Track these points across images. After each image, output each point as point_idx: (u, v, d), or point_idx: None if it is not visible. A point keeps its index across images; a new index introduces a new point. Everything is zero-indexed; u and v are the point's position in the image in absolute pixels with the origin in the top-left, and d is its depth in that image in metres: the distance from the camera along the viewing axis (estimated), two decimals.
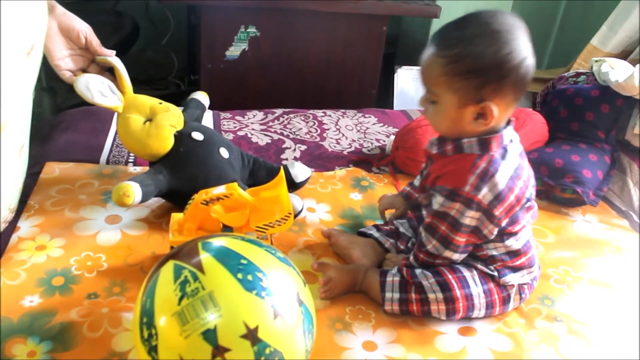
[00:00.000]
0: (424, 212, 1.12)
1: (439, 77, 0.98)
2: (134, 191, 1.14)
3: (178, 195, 1.25)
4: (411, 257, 1.13)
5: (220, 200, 1.08)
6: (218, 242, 0.85)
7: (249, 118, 1.82)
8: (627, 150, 1.67)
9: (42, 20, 1.04)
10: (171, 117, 1.29)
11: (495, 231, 1.05)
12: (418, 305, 1.09)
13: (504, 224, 1.05)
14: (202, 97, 1.48)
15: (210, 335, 0.75)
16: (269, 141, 1.70)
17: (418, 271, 1.10)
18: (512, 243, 1.09)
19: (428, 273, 1.09)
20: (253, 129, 1.76)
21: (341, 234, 1.27)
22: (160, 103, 1.30)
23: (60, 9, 1.18)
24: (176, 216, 1.16)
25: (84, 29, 1.21)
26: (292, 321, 0.80)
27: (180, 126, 1.30)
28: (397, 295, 1.09)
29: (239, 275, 0.78)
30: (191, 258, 0.81)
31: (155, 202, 1.32)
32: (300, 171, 1.41)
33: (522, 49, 0.96)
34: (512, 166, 1.04)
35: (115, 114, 1.63)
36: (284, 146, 1.68)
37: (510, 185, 1.03)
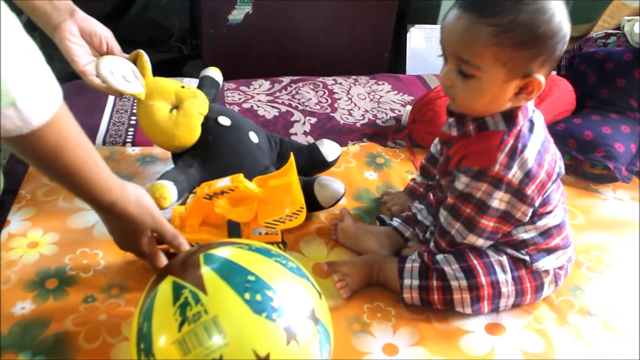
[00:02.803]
0: (448, 194, 1.02)
1: (486, 48, 0.87)
2: (170, 192, 1.05)
3: None
4: (431, 244, 1.04)
5: (224, 193, 0.98)
6: (222, 253, 0.76)
7: (254, 88, 1.71)
8: None
9: None
10: (199, 104, 1.17)
11: (529, 212, 0.97)
12: (439, 293, 1.00)
13: (537, 203, 0.97)
14: (215, 73, 1.36)
15: None
16: (277, 114, 1.59)
17: (440, 256, 1.02)
18: (547, 221, 1.00)
19: (451, 258, 1.01)
20: (259, 100, 1.65)
21: (351, 221, 1.17)
22: (183, 87, 1.18)
23: (80, 13, 1.08)
24: (178, 209, 1.07)
25: (105, 35, 1.11)
26: (308, 343, 0.72)
27: (206, 112, 1.19)
28: (416, 282, 1.01)
29: (247, 296, 0.69)
30: (191, 274, 0.72)
31: None
32: (331, 149, 1.30)
33: (566, 16, 0.89)
34: (540, 139, 0.96)
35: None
36: (292, 119, 1.58)
37: (539, 161, 0.94)
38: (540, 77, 0.89)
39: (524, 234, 1.00)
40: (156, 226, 0.88)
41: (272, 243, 1.03)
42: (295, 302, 0.73)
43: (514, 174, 0.93)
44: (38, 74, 0.64)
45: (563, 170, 1.01)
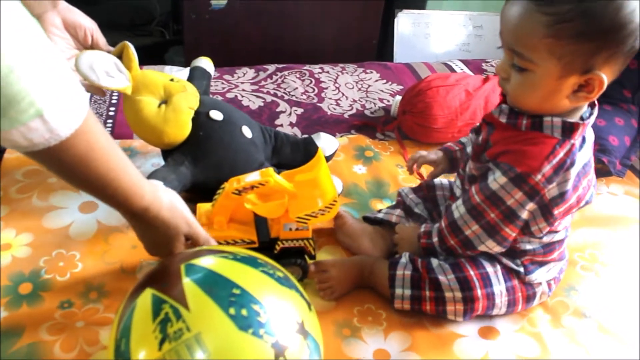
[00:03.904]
0: (472, 188, 0.94)
1: (540, 40, 0.80)
2: None
3: (202, 187, 1.09)
4: (434, 238, 0.98)
5: (254, 188, 0.94)
6: (205, 262, 0.71)
7: (238, 77, 1.65)
8: None
9: None
10: (189, 98, 1.11)
11: (546, 230, 0.93)
12: (432, 304, 0.96)
13: (556, 223, 0.92)
14: (206, 63, 1.29)
15: None
16: (262, 104, 1.54)
17: (435, 263, 0.97)
18: (552, 237, 0.96)
19: (447, 267, 0.96)
20: (243, 90, 1.60)
21: (351, 217, 1.13)
22: (172, 80, 1.12)
23: (63, 4, 1.02)
24: (203, 207, 1.01)
25: (90, 27, 1.06)
26: (297, 359, 0.67)
27: (196, 106, 1.13)
28: (408, 292, 0.97)
29: (231, 311, 0.65)
30: (172, 287, 0.67)
31: None
32: (327, 143, 1.25)
33: None
34: (584, 161, 0.90)
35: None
36: (278, 110, 1.53)
37: (576, 184, 0.89)
38: (603, 75, 0.81)
39: (528, 245, 0.96)
40: (190, 231, 0.85)
41: (302, 239, 1.00)
42: (283, 316, 0.69)
43: (550, 189, 0.87)
44: (63, 81, 0.60)
45: (593, 199, 0.95)
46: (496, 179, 0.89)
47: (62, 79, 0.60)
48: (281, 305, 0.70)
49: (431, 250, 1.00)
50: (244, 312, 0.65)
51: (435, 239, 0.98)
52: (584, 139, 0.89)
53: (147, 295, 0.68)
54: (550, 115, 0.87)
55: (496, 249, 0.94)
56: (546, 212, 0.90)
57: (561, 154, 0.86)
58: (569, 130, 0.87)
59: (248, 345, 0.64)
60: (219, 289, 0.67)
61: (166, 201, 0.80)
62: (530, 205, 0.88)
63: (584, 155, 0.90)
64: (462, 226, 0.93)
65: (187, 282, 0.68)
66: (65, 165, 0.65)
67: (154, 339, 0.64)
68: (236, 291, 0.67)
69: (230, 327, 0.64)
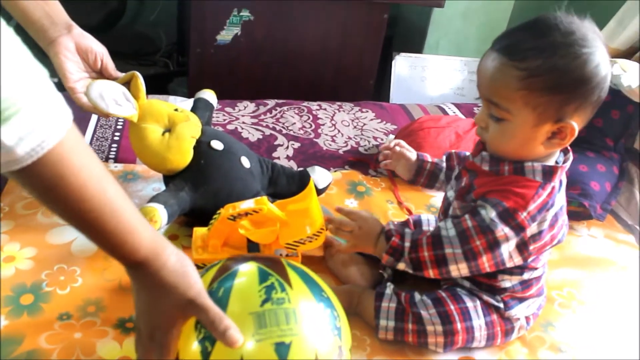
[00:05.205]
0: (464, 215, 0.96)
1: (515, 92, 0.87)
2: (161, 215, 1.04)
3: (200, 212, 1.15)
4: (407, 242, 0.97)
5: (248, 215, 1.00)
6: (298, 265, 0.84)
7: (239, 110, 1.72)
8: (635, 159, 1.59)
9: None
10: (192, 127, 1.18)
11: (519, 264, 0.98)
12: (414, 336, 1.01)
13: (529, 260, 0.97)
14: (209, 95, 1.36)
15: (282, 349, 0.72)
16: (260, 137, 1.61)
17: (417, 299, 1.02)
18: (531, 274, 1.01)
19: (429, 302, 1.01)
20: (244, 122, 1.66)
21: (342, 246, 1.18)
22: (176, 109, 1.19)
23: (77, 29, 1.09)
24: (199, 231, 1.07)
25: (101, 52, 1.12)
26: None
27: (198, 135, 1.19)
28: (392, 324, 1.01)
29: (322, 305, 0.79)
30: (277, 268, 0.79)
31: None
32: (321, 176, 1.32)
33: (605, 60, 0.87)
34: (560, 202, 0.96)
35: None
36: (276, 143, 1.59)
37: (552, 223, 0.94)
38: (574, 123, 0.88)
39: (507, 283, 1.01)
40: (199, 303, 0.72)
41: None
42: (346, 332, 0.82)
43: (531, 227, 0.93)
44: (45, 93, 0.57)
45: (565, 238, 1.00)
46: (488, 213, 0.92)
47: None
48: (345, 323, 0.83)
49: (397, 253, 0.98)
50: (328, 311, 0.79)
51: (407, 244, 0.97)
52: (560, 182, 0.96)
53: (253, 265, 0.80)
54: (529, 160, 0.93)
55: (464, 273, 0.96)
56: (522, 249, 0.94)
57: (544, 195, 0.92)
58: (549, 173, 0.93)
59: (327, 336, 0.76)
60: (314, 287, 0.80)
61: (172, 261, 0.72)
62: (515, 241, 0.93)
63: (561, 198, 0.96)
64: (445, 243, 0.94)
65: (289, 269, 0.80)
66: (37, 189, 0.60)
67: (259, 297, 0.74)
68: (324, 295, 0.81)
69: (320, 317, 0.77)
